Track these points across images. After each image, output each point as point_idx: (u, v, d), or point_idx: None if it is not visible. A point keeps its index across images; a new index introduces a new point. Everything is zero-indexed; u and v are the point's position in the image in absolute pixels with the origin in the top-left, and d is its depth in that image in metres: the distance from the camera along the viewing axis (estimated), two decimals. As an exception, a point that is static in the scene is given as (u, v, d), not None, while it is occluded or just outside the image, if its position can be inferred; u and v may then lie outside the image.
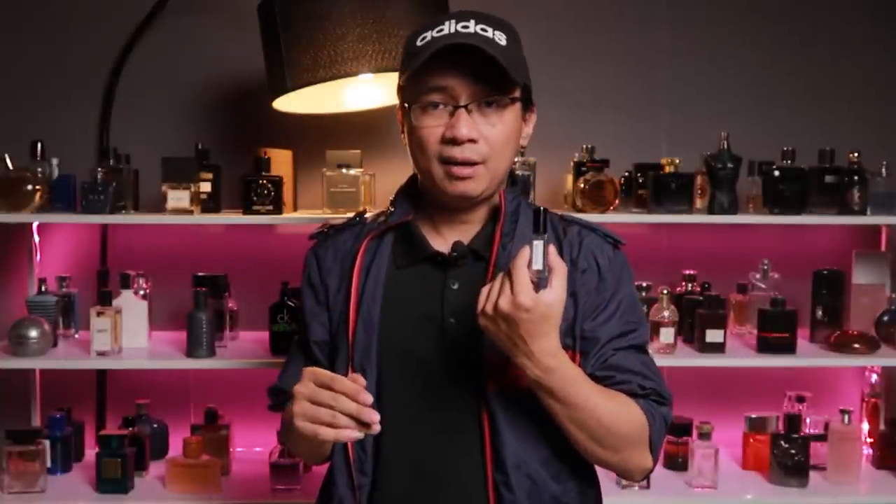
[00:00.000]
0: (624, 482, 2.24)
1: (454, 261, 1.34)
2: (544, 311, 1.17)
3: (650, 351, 1.43)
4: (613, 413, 1.27)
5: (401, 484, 1.31)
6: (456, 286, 1.33)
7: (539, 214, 1.18)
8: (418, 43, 1.30)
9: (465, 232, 1.37)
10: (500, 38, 1.29)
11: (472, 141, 1.28)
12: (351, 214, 1.50)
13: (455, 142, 1.28)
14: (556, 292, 1.17)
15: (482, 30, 1.28)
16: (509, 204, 1.37)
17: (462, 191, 1.31)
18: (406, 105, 1.33)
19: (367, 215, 1.46)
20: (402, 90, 1.36)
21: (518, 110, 1.34)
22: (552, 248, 1.19)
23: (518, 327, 1.17)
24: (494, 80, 1.28)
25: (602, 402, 1.26)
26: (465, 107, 1.28)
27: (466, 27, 1.28)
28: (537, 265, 1.17)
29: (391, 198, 1.44)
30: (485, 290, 1.20)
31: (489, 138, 1.30)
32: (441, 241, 1.37)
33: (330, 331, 1.39)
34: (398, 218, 1.39)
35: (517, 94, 1.32)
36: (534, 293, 1.16)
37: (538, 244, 1.17)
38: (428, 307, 1.33)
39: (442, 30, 1.29)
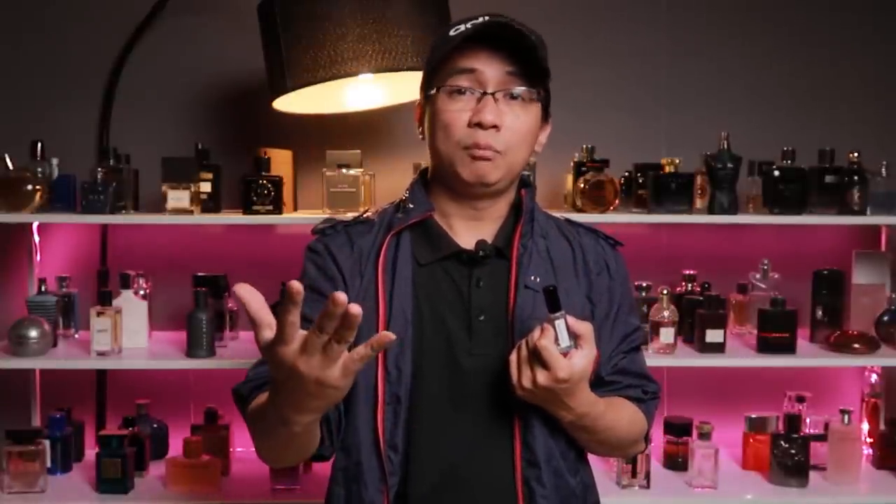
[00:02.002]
0: (624, 482, 2.25)
1: (481, 259, 1.35)
2: (580, 374, 1.23)
3: (649, 350, 1.48)
4: (627, 426, 1.38)
5: (430, 483, 1.31)
6: (482, 284, 1.34)
7: (551, 294, 1.22)
8: (451, 33, 1.31)
9: (478, 229, 1.37)
10: (532, 39, 1.32)
11: (496, 128, 1.30)
12: (352, 214, 1.49)
13: (481, 126, 1.29)
14: (586, 353, 1.24)
15: (517, 26, 1.31)
16: (529, 203, 1.39)
17: (479, 174, 1.31)
18: (433, 91, 1.34)
19: (370, 213, 1.45)
20: (428, 77, 1.37)
21: (538, 112, 1.36)
22: (571, 318, 1.23)
23: (559, 394, 1.24)
24: (525, 74, 1.32)
25: (619, 421, 1.36)
26: (493, 94, 1.30)
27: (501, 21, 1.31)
28: (565, 342, 1.22)
29: (405, 193, 1.42)
30: (513, 362, 1.24)
31: (512, 129, 1.31)
32: (456, 238, 1.37)
33: None
34: (421, 213, 1.37)
35: (541, 94, 1.35)
36: (569, 364, 1.21)
37: (560, 323, 1.22)
38: (455, 305, 1.33)
39: (476, 21, 1.31)
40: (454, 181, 1.34)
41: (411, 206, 1.38)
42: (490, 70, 1.30)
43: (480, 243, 1.35)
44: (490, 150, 1.30)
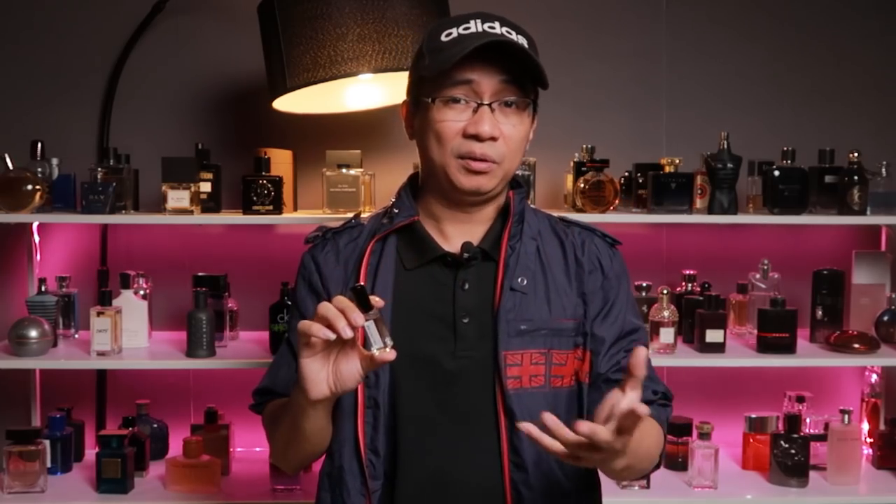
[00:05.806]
0: (624, 482, 2.24)
1: (466, 262, 1.34)
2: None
3: (649, 350, 1.45)
4: (649, 442, 1.29)
5: (416, 487, 1.31)
6: (467, 287, 1.34)
7: (358, 293, 1.15)
8: (443, 38, 1.30)
9: (468, 232, 1.37)
10: (523, 43, 1.31)
11: (493, 139, 1.29)
12: (349, 216, 1.49)
13: (478, 138, 1.29)
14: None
15: (507, 32, 1.30)
16: (517, 205, 1.39)
17: (476, 185, 1.31)
18: (427, 99, 1.33)
19: (364, 215, 1.46)
20: (419, 83, 1.35)
21: (531, 116, 1.36)
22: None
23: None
24: (518, 81, 1.31)
25: (645, 439, 1.24)
26: (490, 105, 1.29)
27: (493, 28, 1.29)
28: (377, 343, 1.16)
29: (392, 198, 1.43)
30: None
31: (508, 138, 1.31)
32: (445, 242, 1.37)
33: None
34: (404, 218, 1.38)
35: (532, 97, 1.34)
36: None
37: (371, 325, 1.16)
38: (440, 308, 1.33)
39: (469, 27, 1.30)
40: (448, 188, 1.34)
41: (396, 211, 1.40)
42: (486, 80, 1.29)
43: (466, 245, 1.35)
44: (487, 161, 1.30)
